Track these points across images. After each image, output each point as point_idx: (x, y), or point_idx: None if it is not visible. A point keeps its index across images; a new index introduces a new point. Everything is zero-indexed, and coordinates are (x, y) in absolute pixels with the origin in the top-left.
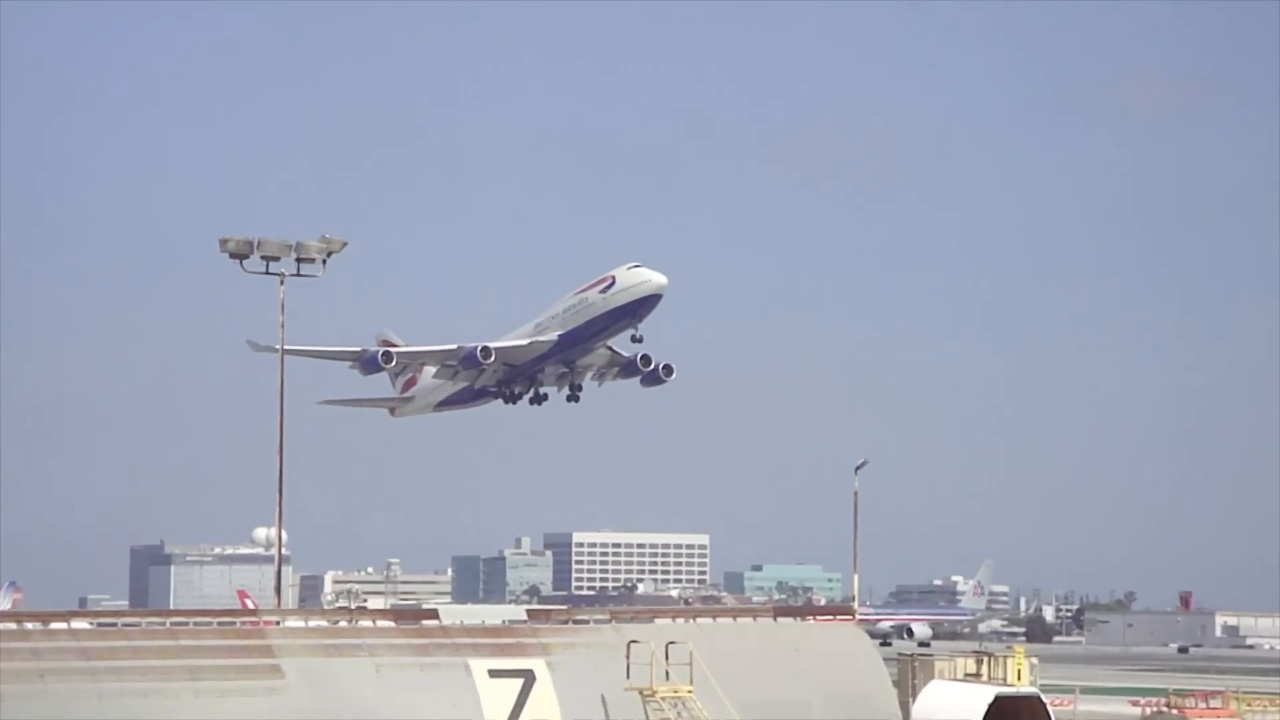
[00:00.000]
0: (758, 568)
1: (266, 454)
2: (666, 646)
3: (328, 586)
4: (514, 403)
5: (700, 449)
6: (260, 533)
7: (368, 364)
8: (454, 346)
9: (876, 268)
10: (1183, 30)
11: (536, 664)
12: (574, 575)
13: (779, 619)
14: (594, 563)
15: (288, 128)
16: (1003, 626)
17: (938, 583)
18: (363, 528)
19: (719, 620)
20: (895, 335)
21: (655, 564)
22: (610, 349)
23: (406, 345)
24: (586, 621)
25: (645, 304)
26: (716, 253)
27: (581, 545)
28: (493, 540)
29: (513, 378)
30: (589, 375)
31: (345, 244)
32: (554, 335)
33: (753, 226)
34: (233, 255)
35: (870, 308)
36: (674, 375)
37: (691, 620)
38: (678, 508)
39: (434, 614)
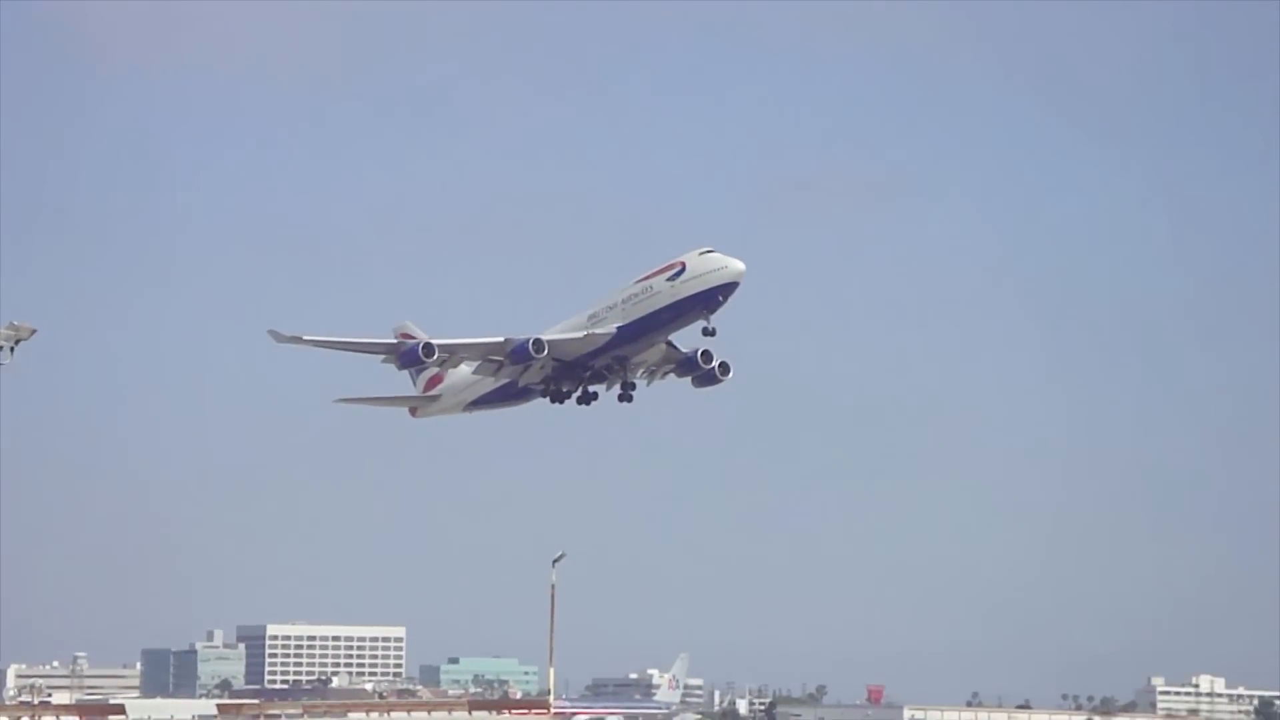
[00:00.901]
0: (454, 660)
1: None
2: None
3: (10, 681)
4: (560, 402)
5: (397, 538)
6: None
7: (406, 357)
8: (501, 339)
9: None
10: None
11: None
12: (267, 668)
13: (474, 712)
14: (288, 655)
15: None
16: None
17: (634, 676)
18: (47, 618)
19: (413, 714)
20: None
21: (351, 656)
22: (669, 343)
23: (445, 338)
24: (278, 716)
25: (720, 293)
26: None
27: (276, 637)
28: (184, 632)
29: (561, 374)
30: (640, 373)
31: (34, 331)
32: (612, 328)
33: None
34: None
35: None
36: (730, 375)
37: (386, 714)
38: (374, 598)
39: (121, 709)
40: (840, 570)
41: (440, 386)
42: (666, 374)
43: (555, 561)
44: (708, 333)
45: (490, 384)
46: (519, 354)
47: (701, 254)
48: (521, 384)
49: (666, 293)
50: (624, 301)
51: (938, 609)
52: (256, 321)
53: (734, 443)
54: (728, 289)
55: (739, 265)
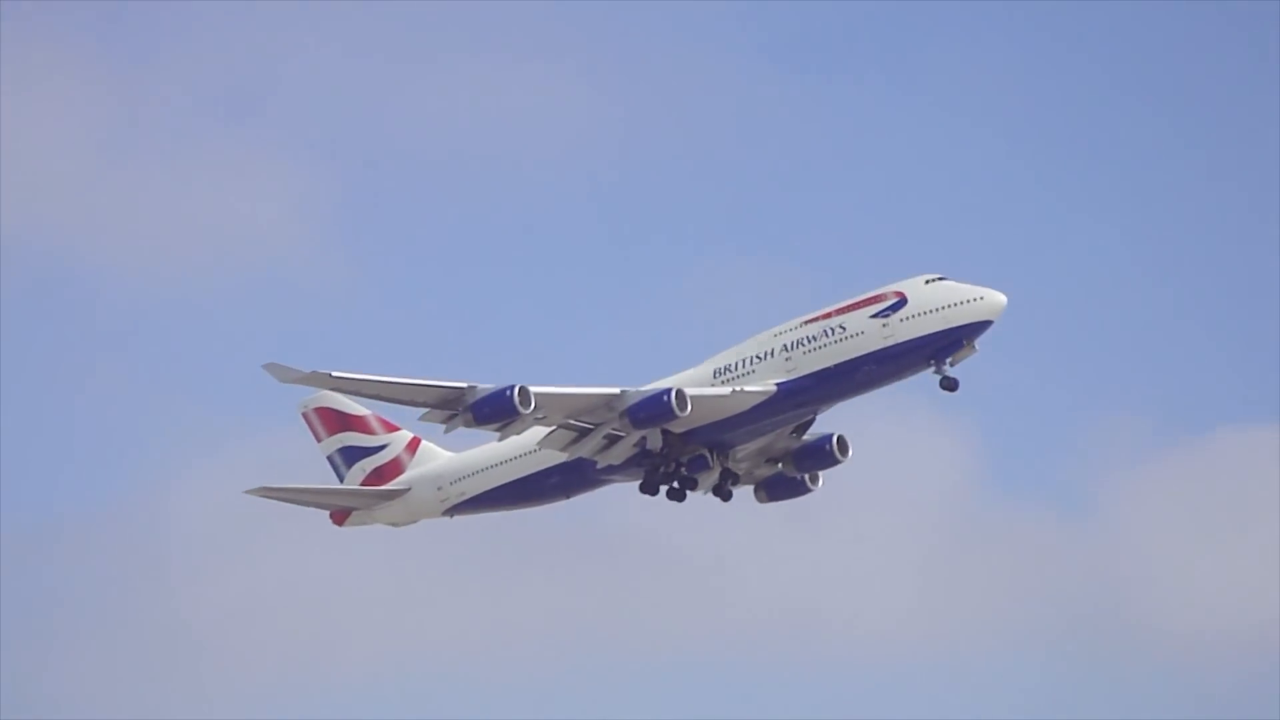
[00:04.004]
0: None
1: None
2: None
3: None
4: (654, 491)
5: None
6: None
7: (492, 407)
8: (616, 390)
9: None
10: None
11: None
12: None
13: None
14: None
15: None
16: None
17: None
18: None
19: None
20: None
21: None
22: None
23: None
24: None
25: (966, 334)
26: None
27: None
28: None
29: (666, 451)
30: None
31: None
32: (770, 384)
33: None
34: None
35: None
36: (820, 485)
37: None
38: None
39: None
40: None
41: (409, 473)
42: (774, 464)
43: None
44: (948, 386)
45: (549, 461)
46: (650, 412)
47: (930, 282)
48: (602, 464)
49: (875, 334)
50: (789, 349)
51: None
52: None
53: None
54: (976, 330)
55: (1000, 298)
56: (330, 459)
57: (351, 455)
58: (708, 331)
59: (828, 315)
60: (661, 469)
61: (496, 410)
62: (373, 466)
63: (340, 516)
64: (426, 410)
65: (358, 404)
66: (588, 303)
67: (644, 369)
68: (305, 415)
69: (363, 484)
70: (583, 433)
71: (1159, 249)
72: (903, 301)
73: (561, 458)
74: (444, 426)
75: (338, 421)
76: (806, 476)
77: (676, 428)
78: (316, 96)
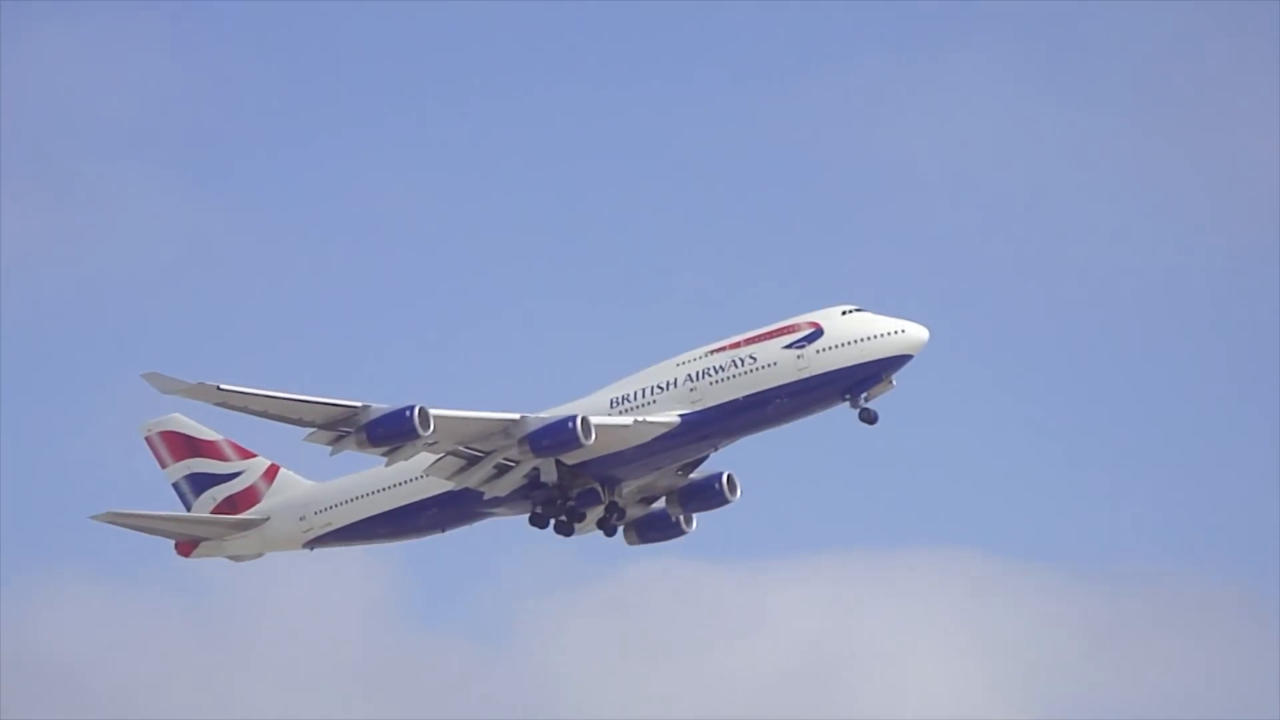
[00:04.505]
0: None
1: None
2: None
3: None
4: (543, 524)
5: None
6: None
7: (389, 428)
8: (516, 415)
9: None
10: None
11: None
12: None
13: None
14: None
15: None
16: None
17: None
18: None
19: None
20: None
21: None
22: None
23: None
24: None
25: (885, 368)
26: None
27: None
28: None
29: (560, 483)
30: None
31: None
32: (673, 415)
33: None
34: None
35: None
36: (694, 528)
37: None
38: None
39: None
40: None
41: (295, 498)
42: (647, 504)
43: None
44: (866, 419)
45: (428, 491)
46: (553, 439)
47: (847, 313)
48: (489, 495)
49: (789, 366)
50: (694, 379)
51: None
52: None
53: None
54: (895, 364)
55: (922, 332)
56: (176, 486)
57: (200, 483)
58: (596, 360)
59: (736, 345)
60: (556, 501)
61: (392, 432)
62: (224, 495)
63: (187, 547)
64: (312, 431)
65: (208, 429)
66: (452, 322)
67: (527, 397)
68: (149, 439)
69: (213, 513)
70: (472, 460)
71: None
72: (818, 333)
73: (443, 487)
74: (330, 449)
75: (186, 446)
76: (683, 518)
77: (574, 458)
78: None
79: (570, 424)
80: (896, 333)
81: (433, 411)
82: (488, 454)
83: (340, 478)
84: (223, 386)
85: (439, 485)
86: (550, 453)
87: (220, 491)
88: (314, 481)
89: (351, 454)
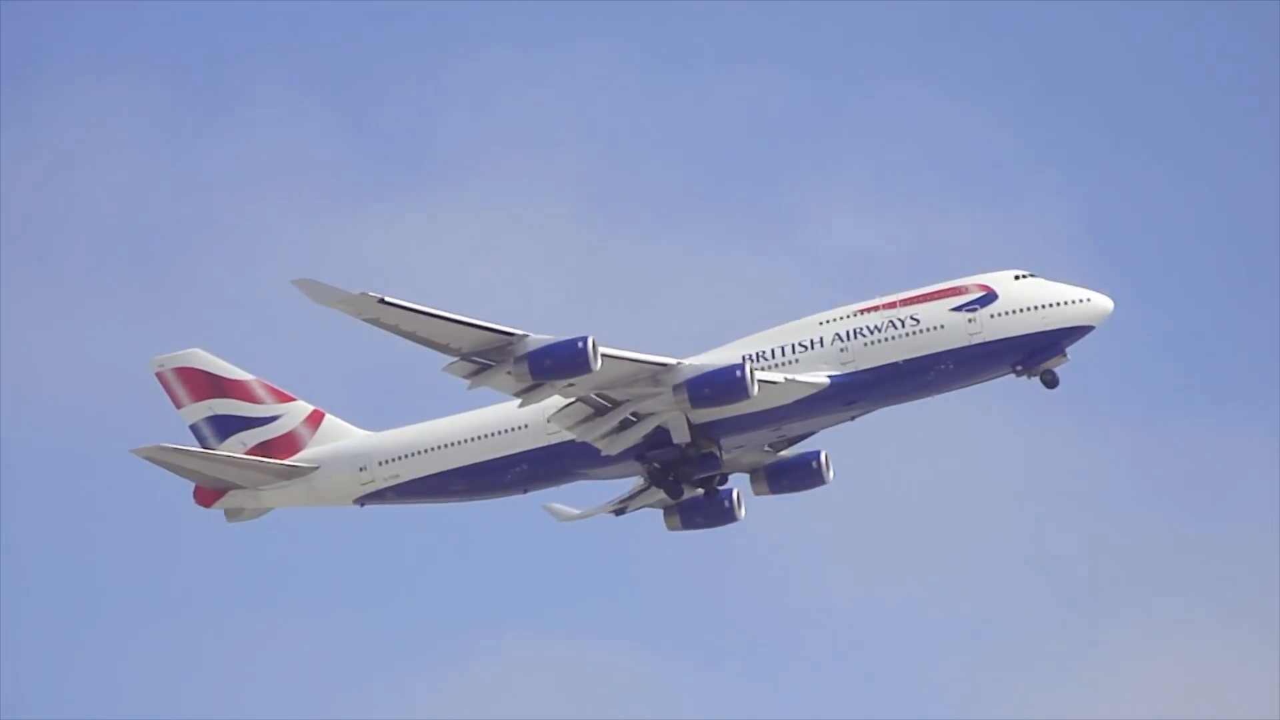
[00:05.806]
0: None
1: None
2: None
3: None
4: (678, 491)
5: None
6: None
7: (562, 359)
8: (671, 361)
9: None
10: None
11: None
12: None
13: None
14: None
15: None
16: None
17: None
18: None
19: None
20: None
21: None
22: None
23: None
24: None
25: (1064, 338)
26: None
27: None
28: None
29: (690, 443)
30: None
31: None
32: (823, 377)
33: None
34: None
35: None
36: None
37: None
38: None
39: None
40: None
41: (350, 446)
42: (725, 480)
43: None
44: (1049, 383)
45: (530, 444)
46: (717, 388)
47: (1019, 278)
48: (606, 451)
49: (959, 330)
50: (843, 339)
51: None
52: None
53: None
54: (1076, 334)
55: (1107, 303)
56: (195, 428)
57: (226, 425)
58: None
59: (891, 305)
60: (682, 463)
61: (561, 364)
62: (256, 440)
63: (208, 495)
64: (454, 360)
65: (236, 367)
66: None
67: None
68: (162, 375)
69: (254, 451)
70: (599, 410)
71: None
72: (991, 296)
73: (539, 441)
74: (468, 381)
75: (208, 386)
76: (735, 502)
77: (716, 414)
78: None
79: (739, 372)
80: (1081, 301)
81: (604, 350)
82: (620, 403)
83: (407, 427)
84: (385, 299)
85: (535, 438)
86: (708, 404)
87: (251, 436)
88: (368, 431)
89: (400, 406)
